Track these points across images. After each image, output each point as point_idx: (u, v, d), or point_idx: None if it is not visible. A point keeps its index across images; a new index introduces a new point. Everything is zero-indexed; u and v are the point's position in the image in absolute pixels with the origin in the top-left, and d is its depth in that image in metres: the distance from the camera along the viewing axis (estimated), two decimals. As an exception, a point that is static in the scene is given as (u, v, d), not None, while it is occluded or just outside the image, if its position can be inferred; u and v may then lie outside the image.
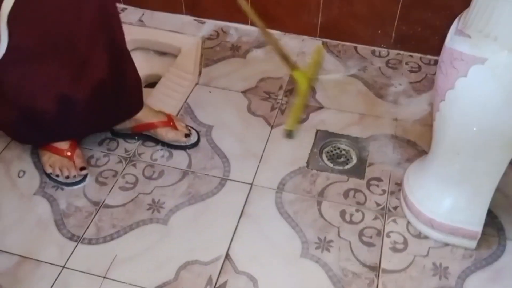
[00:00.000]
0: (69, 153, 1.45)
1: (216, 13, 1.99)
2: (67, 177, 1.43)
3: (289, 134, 1.59)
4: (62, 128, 1.43)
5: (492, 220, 1.35)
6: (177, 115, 1.64)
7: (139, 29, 1.97)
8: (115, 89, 1.42)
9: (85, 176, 1.45)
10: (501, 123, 1.06)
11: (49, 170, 1.44)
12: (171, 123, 1.53)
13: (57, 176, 1.43)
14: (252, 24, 1.96)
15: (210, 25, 2.00)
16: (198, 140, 1.55)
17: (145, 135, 1.54)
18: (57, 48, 1.27)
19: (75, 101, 1.36)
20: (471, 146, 1.14)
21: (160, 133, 1.52)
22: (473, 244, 1.28)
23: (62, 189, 1.43)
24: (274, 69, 1.81)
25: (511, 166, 1.32)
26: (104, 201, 1.40)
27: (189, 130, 1.54)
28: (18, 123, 1.39)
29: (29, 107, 1.35)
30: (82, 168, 1.44)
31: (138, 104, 1.52)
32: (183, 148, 1.53)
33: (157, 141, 1.54)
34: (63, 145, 1.45)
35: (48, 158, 1.45)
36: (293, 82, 1.73)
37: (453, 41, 1.06)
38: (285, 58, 1.69)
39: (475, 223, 1.26)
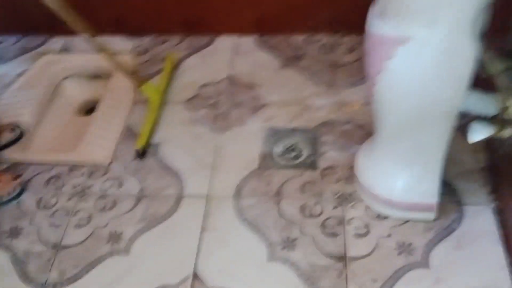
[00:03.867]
0: None
1: (142, 27, 1.95)
2: (8, 194, 1.45)
3: (140, 154, 1.54)
4: None
5: (447, 189, 1.37)
6: (119, 139, 1.60)
7: (67, 57, 1.92)
8: None
9: (22, 186, 1.48)
10: (434, 97, 1.07)
11: None
12: None
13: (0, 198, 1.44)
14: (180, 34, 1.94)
15: (137, 40, 1.95)
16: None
17: None
18: None
19: None
20: (411, 122, 1.15)
21: None
22: (431, 216, 1.31)
23: (17, 237, 1.38)
24: (210, 73, 1.78)
25: (460, 132, 1.35)
26: (61, 242, 1.37)
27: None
28: None
29: None
30: (16, 177, 1.48)
31: None
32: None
33: None
34: None
35: None
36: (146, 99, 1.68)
37: (374, 26, 1.06)
38: (131, 73, 1.64)
39: (430, 195, 1.28)
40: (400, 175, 1.28)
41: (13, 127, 1.62)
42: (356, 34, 1.86)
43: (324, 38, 1.88)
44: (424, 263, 1.24)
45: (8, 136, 1.59)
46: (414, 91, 1.07)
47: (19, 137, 1.63)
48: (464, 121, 1.24)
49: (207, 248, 1.32)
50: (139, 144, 1.54)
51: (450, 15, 0.96)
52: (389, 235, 1.30)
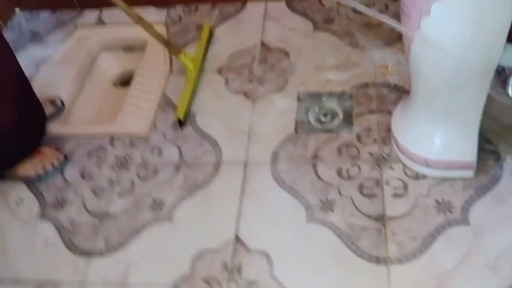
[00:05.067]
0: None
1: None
2: (53, 165, 1.51)
3: (180, 123, 1.57)
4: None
5: (486, 145, 1.36)
6: (158, 108, 1.63)
7: (102, 30, 1.95)
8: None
9: (65, 157, 1.54)
10: (472, 53, 1.06)
11: (32, 174, 1.49)
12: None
13: (44, 170, 1.50)
14: (211, 1, 1.94)
15: (170, 10, 1.97)
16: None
17: None
18: None
19: None
20: (448, 80, 1.14)
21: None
22: (470, 173, 1.30)
23: (63, 207, 1.44)
24: (243, 41, 1.79)
25: (497, 89, 1.33)
26: (105, 211, 1.41)
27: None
28: None
29: None
30: (58, 149, 1.54)
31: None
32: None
33: None
34: None
35: (23, 167, 1.49)
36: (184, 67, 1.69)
37: (410, -17, 1.05)
38: (167, 43, 1.65)
39: (469, 153, 1.27)
40: (437, 134, 1.28)
41: (53, 100, 1.67)
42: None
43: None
44: (463, 220, 1.24)
45: (49, 110, 1.64)
46: (452, 47, 1.06)
47: (59, 110, 1.67)
48: (503, 77, 1.22)
49: (247, 212, 1.35)
50: (180, 113, 1.57)
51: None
52: (427, 194, 1.30)
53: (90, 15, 2.00)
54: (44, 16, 2.05)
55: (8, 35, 1.93)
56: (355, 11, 1.79)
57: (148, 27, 1.56)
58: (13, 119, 1.42)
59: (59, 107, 1.67)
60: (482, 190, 1.29)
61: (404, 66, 1.57)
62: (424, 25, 1.05)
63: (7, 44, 1.44)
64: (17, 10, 2.10)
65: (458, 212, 1.26)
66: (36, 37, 1.97)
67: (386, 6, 1.79)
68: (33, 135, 1.53)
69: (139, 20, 1.54)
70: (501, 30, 1.02)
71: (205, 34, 1.80)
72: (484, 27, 1.01)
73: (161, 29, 1.87)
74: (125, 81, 1.88)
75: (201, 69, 1.71)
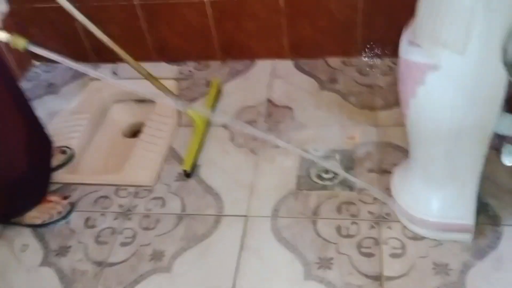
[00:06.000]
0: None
1: (185, 54, 2.03)
2: (59, 213, 1.54)
3: (187, 174, 1.61)
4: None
5: (484, 209, 1.38)
6: (164, 160, 1.67)
7: (115, 82, 2.02)
8: None
9: (71, 206, 1.56)
10: (467, 121, 1.09)
11: (38, 222, 1.52)
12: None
13: (50, 218, 1.53)
14: (221, 59, 2.01)
15: (181, 65, 2.04)
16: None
17: None
18: None
19: None
20: (445, 146, 1.17)
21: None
22: (468, 237, 1.31)
23: (65, 255, 1.46)
24: (250, 97, 1.84)
25: (496, 152, 1.36)
26: (107, 260, 1.43)
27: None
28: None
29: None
30: (65, 197, 1.58)
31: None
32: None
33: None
34: None
35: (30, 214, 1.52)
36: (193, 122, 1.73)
37: (406, 52, 1.10)
38: (175, 97, 1.71)
39: (466, 216, 1.28)
40: (435, 196, 1.30)
41: (64, 149, 1.72)
42: (390, 57, 1.89)
43: (359, 62, 1.91)
44: (460, 283, 1.24)
45: (59, 158, 1.69)
46: (447, 115, 1.09)
47: (69, 159, 1.72)
48: (501, 142, 1.25)
49: (245, 267, 1.36)
50: (187, 164, 1.61)
51: (480, 42, 0.98)
52: (425, 256, 1.31)
53: (105, 68, 2.08)
54: (62, 68, 2.13)
55: (25, 86, 2.01)
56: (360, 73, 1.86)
57: (157, 82, 1.62)
58: (24, 167, 1.46)
59: (69, 156, 1.72)
60: (480, 254, 1.29)
61: (374, 135, 1.63)
62: (418, 93, 1.09)
63: (21, 91, 1.49)
64: (34, 61, 2.18)
65: (455, 275, 1.26)
66: (52, 88, 2.05)
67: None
68: (43, 184, 1.57)
69: (148, 76, 1.61)
70: (495, 99, 1.06)
71: (213, 90, 1.86)
72: (478, 96, 1.05)
73: (171, 84, 1.94)
74: (135, 132, 1.94)
75: (208, 124, 1.76)
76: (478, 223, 1.31)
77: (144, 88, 1.84)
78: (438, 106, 1.07)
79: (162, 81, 1.66)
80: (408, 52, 1.08)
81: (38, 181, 1.54)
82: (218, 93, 1.88)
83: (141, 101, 1.98)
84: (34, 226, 1.53)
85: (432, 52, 1.03)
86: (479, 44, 0.98)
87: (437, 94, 1.06)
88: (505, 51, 0.95)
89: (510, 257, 1.28)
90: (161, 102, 1.59)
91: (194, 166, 1.64)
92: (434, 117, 1.10)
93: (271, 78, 1.92)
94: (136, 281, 1.37)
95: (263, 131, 1.70)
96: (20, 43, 1.11)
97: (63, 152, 1.71)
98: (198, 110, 1.59)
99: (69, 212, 1.56)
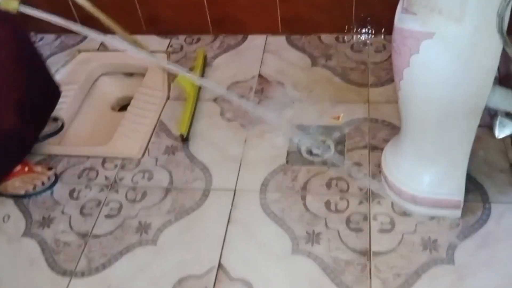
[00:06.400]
0: (26, 168, 1.51)
1: (176, 27, 2.00)
2: (43, 184, 1.50)
3: (183, 138, 1.59)
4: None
5: (474, 186, 1.36)
6: (152, 133, 1.65)
7: (104, 54, 1.98)
8: None
9: (56, 177, 1.53)
10: (461, 92, 1.07)
11: (22, 192, 1.49)
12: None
13: (34, 188, 1.49)
14: (213, 33, 1.98)
15: (173, 39, 2.00)
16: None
17: None
18: None
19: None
20: (437, 119, 1.15)
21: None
22: (457, 213, 1.30)
23: (49, 226, 1.44)
24: (242, 72, 1.81)
25: (487, 130, 1.34)
26: (91, 231, 1.41)
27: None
28: None
29: None
30: (50, 168, 1.54)
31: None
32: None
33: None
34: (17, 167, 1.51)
35: (13, 184, 1.49)
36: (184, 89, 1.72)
37: (401, 20, 1.07)
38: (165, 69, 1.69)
39: (456, 192, 1.27)
40: (425, 172, 1.28)
41: (56, 117, 1.69)
42: (385, 34, 1.87)
43: (352, 38, 1.89)
44: (448, 259, 1.23)
45: (50, 126, 1.66)
46: (440, 86, 1.07)
47: (59, 129, 1.69)
48: (491, 119, 1.23)
49: (232, 240, 1.34)
50: (183, 128, 1.60)
51: (477, 9, 0.96)
52: (414, 231, 1.30)
53: (93, 40, 2.03)
54: (49, 39, 2.09)
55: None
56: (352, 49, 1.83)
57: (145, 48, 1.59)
58: (16, 124, 1.42)
59: (60, 126, 1.69)
60: (468, 231, 1.28)
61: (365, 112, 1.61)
62: (413, 63, 1.07)
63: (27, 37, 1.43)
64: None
65: (443, 251, 1.25)
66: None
67: (384, 46, 1.82)
68: (29, 143, 1.54)
69: (138, 45, 1.57)
70: (489, 68, 1.03)
71: (200, 59, 1.83)
72: (473, 65, 1.03)
73: (161, 57, 1.91)
74: (123, 106, 1.91)
75: (199, 93, 1.73)
76: (467, 201, 1.30)
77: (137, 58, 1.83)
78: (432, 76, 1.05)
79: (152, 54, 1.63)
80: (403, 20, 1.06)
81: (28, 140, 1.51)
82: (205, 62, 1.85)
83: (130, 74, 1.94)
84: (17, 197, 1.50)
85: (428, 20, 1.01)
86: (476, 12, 0.95)
87: (431, 63, 1.03)
88: (501, 19, 0.93)
89: (499, 234, 1.27)
90: (163, 66, 1.50)
91: (189, 131, 1.62)
92: (428, 87, 1.08)
93: (263, 53, 1.89)
94: (121, 253, 1.35)
95: (253, 105, 1.68)
96: (12, 4, 1.07)
97: (55, 119, 1.69)
98: (190, 77, 1.55)
99: (53, 183, 1.53)
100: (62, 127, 1.70)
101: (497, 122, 1.10)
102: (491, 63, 1.02)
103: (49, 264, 1.35)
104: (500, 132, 1.10)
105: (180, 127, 1.61)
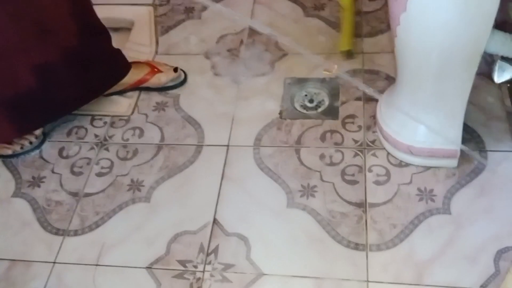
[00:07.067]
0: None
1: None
2: (30, 143, 1.48)
3: (349, 54, 1.57)
4: (53, 103, 1.41)
5: (471, 135, 1.35)
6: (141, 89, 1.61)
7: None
8: (91, 57, 1.42)
9: (44, 136, 1.51)
10: (459, 37, 1.03)
11: (9, 152, 1.47)
12: (156, 69, 1.56)
13: (21, 148, 1.47)
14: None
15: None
16: (186, 76, 1.61)
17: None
18: (17, 20, 1.22)
19: (49, 67, 1.32)
20: (434, 67, 1.11)
21: (153, 83, 1.56)
22: (454, 162, 1.28)
23: (39, 185, 1.41)
24: (232, 24, 1.76)
25: (483, 79, 1.32)
26: (83, 190, 1.39)
27: (173, 67, 1.58)
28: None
29: (11, 93, 1.32)
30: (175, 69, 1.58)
31: (122, 69, 1.53)
32: (174, 87, 1.58)
33: (153, 89, 1.59)
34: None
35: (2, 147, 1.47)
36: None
37: (397, -38, 1.02)
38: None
39: (453, 142, 1.25)
40: (422, 121, 1.25)
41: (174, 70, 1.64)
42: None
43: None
44: (445, 209, 1.22)
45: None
46: (438, 30, 1.03)
47: (182, 81, 1.64)
48: (489, 67, 1.21)
49: (226, 196, 1.33)
50: (346, 44, 1.57)
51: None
52: (410, 182, 1.28)
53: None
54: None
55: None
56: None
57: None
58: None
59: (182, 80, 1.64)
60: (465, 180, 1.27)
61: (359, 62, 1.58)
62: (410, 6, 1.03)
63: None
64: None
65: (440, 201, 1.24)
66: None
67: None
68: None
69: None
70: (489, 13, 1.00)
71: None
72: (472, 9, 0.99)
73: (148, 10, 1.84)
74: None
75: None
76: (463, 149, 1.28)
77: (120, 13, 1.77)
78: (430, 20, 1.01)
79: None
80: (400, -38, 1.01)
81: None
82: None
83: (116, 29, 1.88)
84: (4, 157, 1.47)
85: (426, -38, 0.96)
86: (476, -49, 0.91)
87: (429, 6, 0.99)
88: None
89: (495, 183, 1.26)
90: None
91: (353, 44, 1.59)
92: (426, 33, 1.04)
93: (253, 4, 1.83)
94: (114, 211, 1.34)
95: (244, 59, 1.64)
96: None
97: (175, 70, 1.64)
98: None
99: (41, 142, 1.49)
100: (185, 79, 1.63)
101: (496, 67, 1.07)
102: (491, 6, 0.98)
103: (41, 224, 1.34)
104: (500, 77, 1.07)
105: (343, 43, 1.57)
